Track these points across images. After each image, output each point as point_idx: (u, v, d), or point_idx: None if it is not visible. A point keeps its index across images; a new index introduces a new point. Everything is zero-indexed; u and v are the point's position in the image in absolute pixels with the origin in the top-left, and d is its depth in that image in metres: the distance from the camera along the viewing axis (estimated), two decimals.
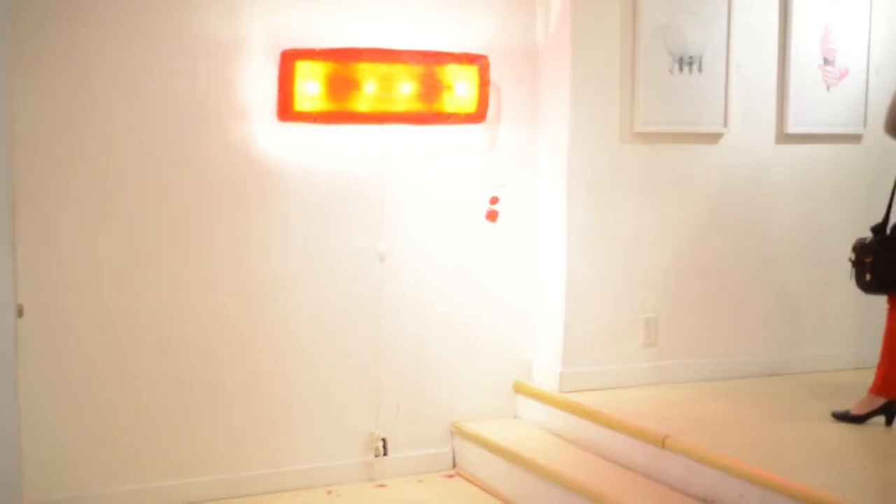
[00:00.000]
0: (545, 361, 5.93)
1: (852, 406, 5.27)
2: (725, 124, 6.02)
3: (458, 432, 5.85)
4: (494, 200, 5.88)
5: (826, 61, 6.26)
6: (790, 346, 6.30)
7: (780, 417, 5.41)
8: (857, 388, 5.40)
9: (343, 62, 5.32)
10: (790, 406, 5.60)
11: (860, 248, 5.20)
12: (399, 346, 5.73)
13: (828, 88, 6.28)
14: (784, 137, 6.21)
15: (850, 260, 5.25)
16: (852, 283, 5.26)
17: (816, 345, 6.37)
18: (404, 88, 5.45)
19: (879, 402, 5.20)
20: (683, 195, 6.00)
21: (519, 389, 5.99)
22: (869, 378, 5.27)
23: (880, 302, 5.27)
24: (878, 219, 5.21)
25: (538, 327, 5.99)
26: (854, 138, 6.38)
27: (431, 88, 5.53)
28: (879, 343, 5.25)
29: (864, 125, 6.33)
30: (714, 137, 6.03)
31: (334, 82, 5.32)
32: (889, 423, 5.19)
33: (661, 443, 4.98)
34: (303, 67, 5.26)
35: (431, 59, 5.52)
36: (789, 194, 6.27)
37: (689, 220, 6.02)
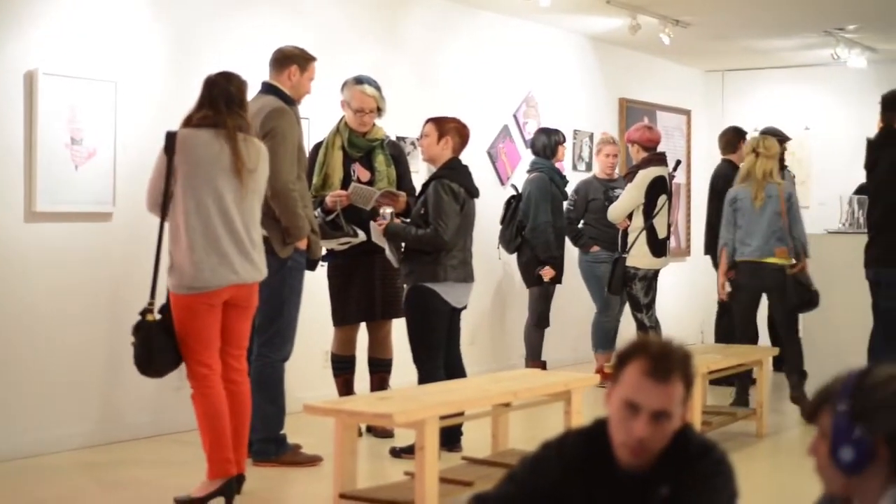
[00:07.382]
0: None
1: (194, 489, 5.14)
2: None
3: None
4: None
5: (74, 141, 6.32)
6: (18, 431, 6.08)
7: None
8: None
9: None
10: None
11: (133, 330, 5.10)
12: None
13: (76, 168, 6.34)
14: (34, 216, 6.15)
15: (132, 343, 5.15)
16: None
17: (42, 427, 6.15)
18: None
19: (217, 483, 5.12)
20: None
21: None
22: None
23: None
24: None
25: None
26: (104, 216, 6.48)
27: None
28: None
29: (114, 203, 6.45)
30: None
31: None
32: (229, 501, 5.11)
33: None
34: None
35: None
36: (43, 274, 6.19)
37: None
